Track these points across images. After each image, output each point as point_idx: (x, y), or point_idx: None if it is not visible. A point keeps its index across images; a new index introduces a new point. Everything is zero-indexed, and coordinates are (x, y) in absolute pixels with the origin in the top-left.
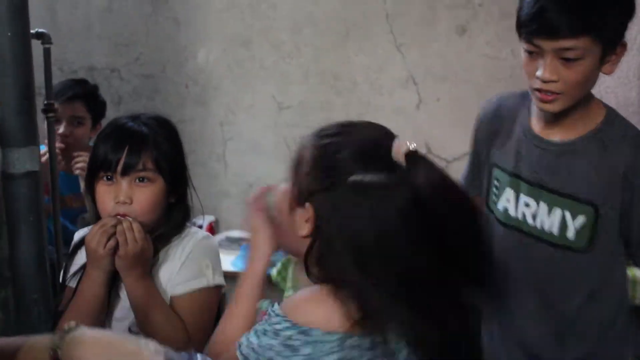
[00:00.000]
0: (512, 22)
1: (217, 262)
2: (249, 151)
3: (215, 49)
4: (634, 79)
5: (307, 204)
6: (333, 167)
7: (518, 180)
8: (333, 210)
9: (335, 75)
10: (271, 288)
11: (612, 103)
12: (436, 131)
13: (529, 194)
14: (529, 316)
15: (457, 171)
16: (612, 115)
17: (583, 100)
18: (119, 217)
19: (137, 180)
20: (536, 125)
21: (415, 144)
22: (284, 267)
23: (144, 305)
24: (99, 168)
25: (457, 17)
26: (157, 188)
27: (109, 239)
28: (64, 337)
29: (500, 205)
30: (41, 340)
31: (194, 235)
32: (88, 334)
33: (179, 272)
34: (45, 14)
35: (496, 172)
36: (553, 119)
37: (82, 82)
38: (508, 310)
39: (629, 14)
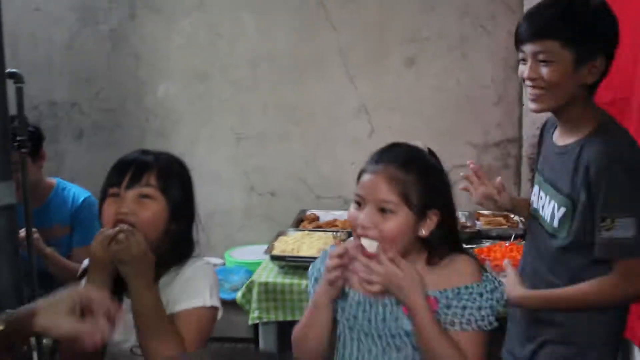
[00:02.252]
0: (457, 54)
1: (214, 286)
2: (209, 181)
3: (174, 84)
4: None
5: (429, 212)
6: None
7: (540, 177)
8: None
9: (292, 107)
10: (236, 310)
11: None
12: None
13: (543, 189)
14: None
15: None
16: (602, 127)
17: (574, 107)
18: (119, 224)
19: (140, 197)
20: (556, 133)
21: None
22: (248, 290)
23: (148, 316)
24: (107, 187)
25: (406, 51)
26: (159, 207)
27: (110, 243)
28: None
29: (531, 199)
30: None
31: (195, 262)
32: None
33: (179, 292)
34: (7, 51)
35: (536, 174)
36: (561, 127)
37: None
38: None
39: (607, 32)
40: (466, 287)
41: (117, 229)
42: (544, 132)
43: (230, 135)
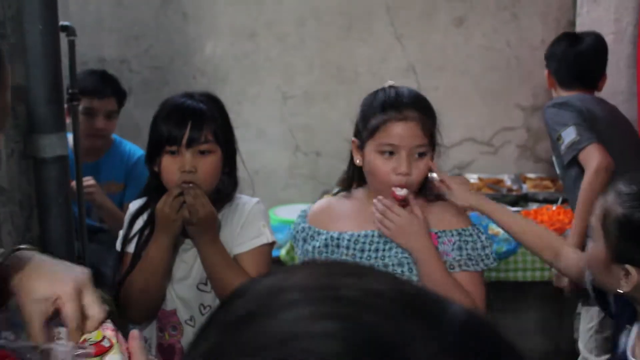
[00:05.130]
0: (508, 14)
1: (269, 222)
2: (254, 139)
3: (222, 42)
4: (624, 68)
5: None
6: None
7: None
8: None
9: (339, 66)
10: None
11: (603, 92)
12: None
13: None
14: None
15: (455, 157)
16: None
17: None
18: (183, 185)
19: (199, 152)
20: None
21: None
22: (292, 247)
23: (218, 265)
24: (164, 143)
25: (455, 10)
26: (216, 158)
27: (180, 206)
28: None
29: None
30: None
31: (248, 201)
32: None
33: (240, 233)
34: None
35: None
36: None
37: (110, 78)
38: None
39: None
40: (464, 230)
41: (179, 191)
42: None
43: (277, 94)
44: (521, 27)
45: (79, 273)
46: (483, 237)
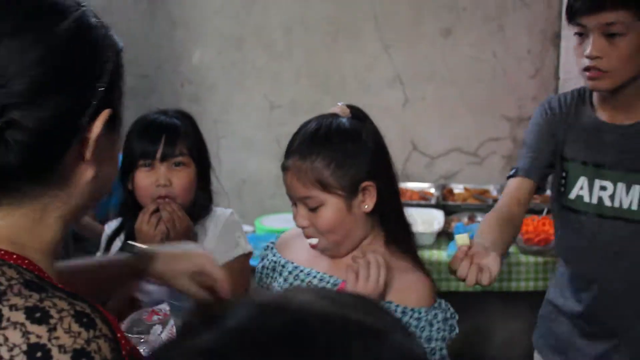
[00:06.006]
0: (494, 25)
1: (244, 233)
2: (241, 148)
3: (209, 50)
4: None
5: (361, 185)
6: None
7: (592, 167)
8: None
9: (325, 75)
10: None
11: None
12: (421, 129)
13: (604, 178)
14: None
15: (441, 167)
16: None
17: (635, 83)
18: (159, 201)
19: (173, 165)
20: (602, 114)
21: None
22: None
23: None
24: (138, 158)
25: (442, 20)
26: (191, 171)
27: (158, 222)
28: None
29: (573, 194)
30: (117, 258)
31: (222, 213)
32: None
33: (217, 245)
34: None
35: (566, 165)
36: (615, 104)
37: None
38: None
39: None
40: (412, 310)
41: (155, 207)
42: (556, 117)
43: (264, 103)
44: (507, 38)
45: (198, 247)
46: (445, 321)
